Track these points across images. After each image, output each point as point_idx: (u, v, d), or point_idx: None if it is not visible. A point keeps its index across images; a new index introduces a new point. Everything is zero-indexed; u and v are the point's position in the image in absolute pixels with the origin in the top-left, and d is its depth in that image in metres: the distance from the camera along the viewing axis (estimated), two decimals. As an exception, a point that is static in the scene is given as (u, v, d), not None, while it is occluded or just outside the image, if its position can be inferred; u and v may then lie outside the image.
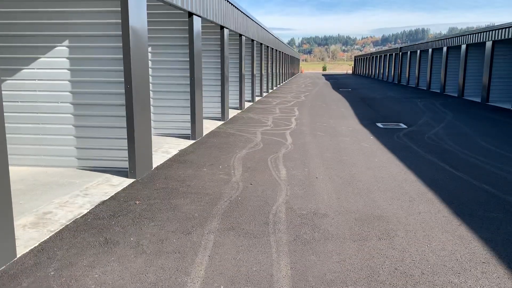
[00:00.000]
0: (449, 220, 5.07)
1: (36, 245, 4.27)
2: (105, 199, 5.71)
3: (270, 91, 27.85)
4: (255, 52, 19.69)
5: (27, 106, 7.24)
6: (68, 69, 7.07)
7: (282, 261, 3.99)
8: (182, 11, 9.57)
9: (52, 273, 3.73)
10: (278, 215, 5.18)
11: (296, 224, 4.90)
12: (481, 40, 21.77)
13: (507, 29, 18.93)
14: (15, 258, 3.98)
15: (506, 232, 4.74)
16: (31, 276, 3.68)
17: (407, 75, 37.45)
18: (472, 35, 23.24)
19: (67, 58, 7.04)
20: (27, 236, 4.45)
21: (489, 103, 20.36)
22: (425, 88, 31.68)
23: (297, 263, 3.96)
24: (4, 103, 7.16)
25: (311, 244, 4.36)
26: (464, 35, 24.55)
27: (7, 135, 7.22)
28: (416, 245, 4.36)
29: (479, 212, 5.34)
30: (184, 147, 9.31)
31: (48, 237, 4.46)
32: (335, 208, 5.44)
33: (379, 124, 13.09)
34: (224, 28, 13.01)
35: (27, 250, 4.15)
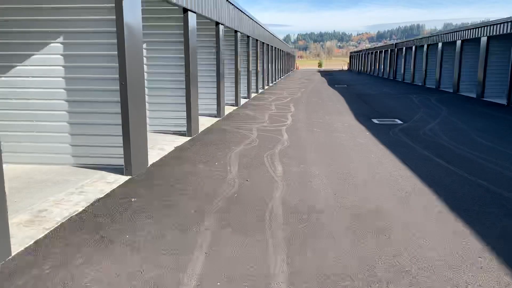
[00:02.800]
0: (445, 215, 5.09)
1: (31, 243, 4.24)
2: (101, 196, 5.68)
3: (266, 87, 27.81)
4: (250, 48, 19.64)
5: (21, 103, 7.18)
6: (62, 66, 7.01)
7: (279, 258, 3.99)
8: (177, 7, 9.51)
9: (47, 271, 3.71)
10: (275, 211, 5.18)
11: (293, 220, 4.90)
12: (476, 36, 21.82)
13: (502, 24, 18.98)
14: (10, 257, 3.95)
15: (501, 227, 4.76)
16: (26, 274, 3.65)
17: (402, 71, 37.52)
18: (467, 31, 23.29)
19: (61, 54, 6.98)
20: (22, 234, 4.42)
21: (484, 99, 20.43)
22: (420, 84, 31.75)
23: (294, 259, 3.96)
24: (-3, 101, 7.13)
25: (308, 240, 4.36)
26: (459, 31, 24.60)
27: (1, 133, 7.18)
28: (412, 241, 4.36)
29: (475, 207, 5.36)
30: (180, 144, 9.28)
31: (43, 235, 4.43)
32: (332, 204, 5.44)
33: (374, 120, 13.10)
34: (219, 24, 12.95)
35: (22, 249, 4.12)
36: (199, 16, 10.72)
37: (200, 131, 10.92)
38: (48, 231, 4.53)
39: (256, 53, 22.67)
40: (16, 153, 7.26)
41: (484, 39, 20.82)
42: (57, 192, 5.80)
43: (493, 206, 5.43)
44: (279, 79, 39.59)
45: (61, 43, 6.95)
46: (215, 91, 13.52)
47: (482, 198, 5.72)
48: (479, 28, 21.50)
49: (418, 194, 5.90)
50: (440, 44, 27.55)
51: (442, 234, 4.55)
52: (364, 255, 4.05)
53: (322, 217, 5.01)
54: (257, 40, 22.46)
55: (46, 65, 7.02)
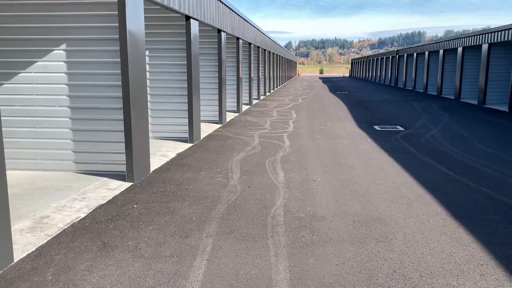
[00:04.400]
0: (447, 222, 5.08)
1: (33, 249, 4.25)
2: (103, 203, 5.69)
3: (267, 94, 27.88)
4: (252, 55, 19.72)
5: (24, 110, 7.22)
6: (65, 73, 7.06)
7: (281, 265, 3.98)
8: (179, 15, 9.58)
9: (49, 277, 3.71)
10: (277, 218, 5.18)
11: (295, 227, 4.89)
12: (478, 43, 21.89)
13: (503, 31, 19.04)
14: (12, 263, 3.95)
15: (504, 234, 4.74)
16: (28, 280, 3.65)
17: (404, 78, 37.59)
18: (468, 38, 23.36)
19: (64, 61, 7.03)
20: (24, 241, 4.43)
21: (485, 106, 20.44)
22: (422, 91, 31.79)
23: (296, 266, 3.96)
24: (1, 107, 7.17)
25: (310, 247, 4.35)
26: (460, 38, 24.68)
27: (4, 139, 7.21)
28: (414, 248, 4.36)
29: (477, 214, 5.35)
30: (182, 150, 9.30)
31: (45, 241, 4.44)
32: (333, 211, 5.44)
33: (376, 127, 13.11)
34: (221, 32, 13.03)
35: (25, 255, 4.13)
36: (201, 23, 10.78)
37: (202, 137, 10.94)
38: (50, 237, 4.54)
39: (258, 60, 22.75)
40: (19, 159, 7.29)
41: (485, 46, 20.88)
42: (60, 198, 5.81)
43: (496, 213, 5.42)
44: (281, 85, 39.68)
45: (64, 50, 7.00)
46: (217, 98, 13.57)
47: (484, 205, 5.71)
48: (480, 35, 21.56)
49: (420, 201, 5.89)
50: (441, 51, 27.62)
51: (445, 241, 4.54)
52: (367, 261, 4.04)
53: (324, 223, 5.00)
54: (258, 47, 22.55)
55: (49, 72, 7.07)
